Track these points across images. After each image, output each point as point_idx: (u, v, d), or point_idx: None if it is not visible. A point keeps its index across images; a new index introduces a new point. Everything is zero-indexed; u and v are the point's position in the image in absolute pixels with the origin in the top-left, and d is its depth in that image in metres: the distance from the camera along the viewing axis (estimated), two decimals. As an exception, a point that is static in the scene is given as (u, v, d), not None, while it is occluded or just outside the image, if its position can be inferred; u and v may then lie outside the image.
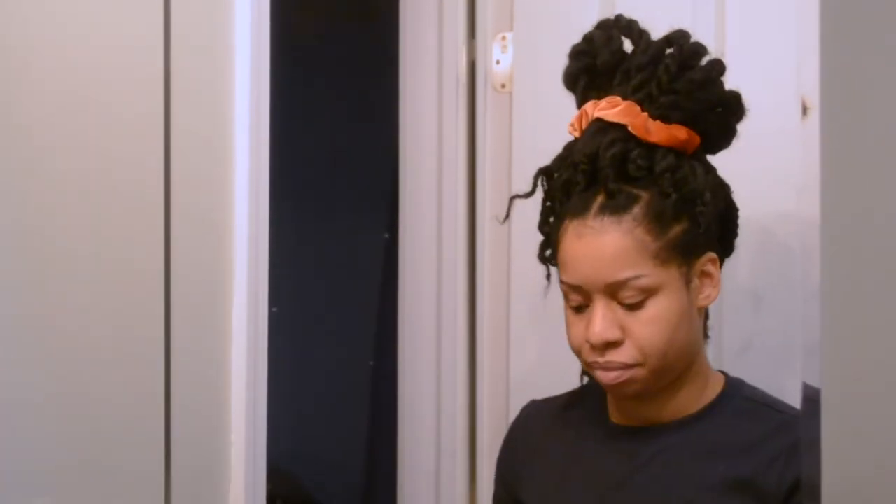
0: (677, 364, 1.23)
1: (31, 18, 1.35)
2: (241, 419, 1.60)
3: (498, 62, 1.92)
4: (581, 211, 1.23)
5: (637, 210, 1.20)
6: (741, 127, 1.66)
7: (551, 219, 1.30)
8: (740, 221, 1.63)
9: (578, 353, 1.26)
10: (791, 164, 1.56)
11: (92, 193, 1.41)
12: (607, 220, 1.20)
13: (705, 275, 1.24)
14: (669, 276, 1.20)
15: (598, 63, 1.27)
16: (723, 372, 1.32)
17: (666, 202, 1.21)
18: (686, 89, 1.23)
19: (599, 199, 1.22)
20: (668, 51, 1.24)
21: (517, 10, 1.90)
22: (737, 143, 1.64)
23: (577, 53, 1.30)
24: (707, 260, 1.24)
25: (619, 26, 1.28)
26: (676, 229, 1.21)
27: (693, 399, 1.26)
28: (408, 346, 2.05)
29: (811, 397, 0.71)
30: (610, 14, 1.71)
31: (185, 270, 1.46)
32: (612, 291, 1.20)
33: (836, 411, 0.70)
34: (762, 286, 1.64)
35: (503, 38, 1.92)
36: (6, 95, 1.32)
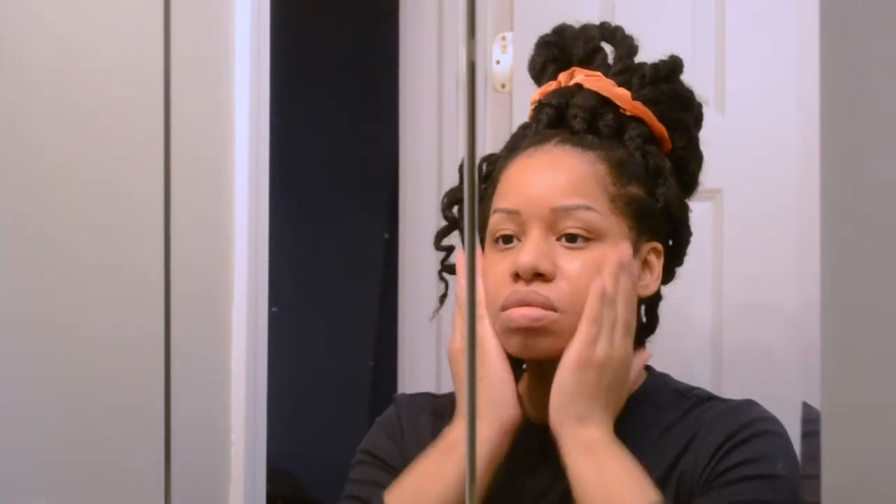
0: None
1: (31, 18, 1.35)
2: (241, 419, 1.60)
3: (498, 62, 1.92)
4: (537, 142, 1.13)
5: (601, 152, 1.10)
6: (741, 125, 1.67)
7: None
8: (740, 222, 1.64)
9: (493, 297, 1.09)
10: (791, 164, 1.58)
11: (92, 194, 1.41)
12: (568, 148, 1.10)
13: (647, 263, 1.12)
14: (619, 230, 1.08)
15: (571, 54, 1.19)
16: (648, 366, 1.19)
17: (630, 160, 1.11)
18: (667, 95, 1.16)
19: (561, 135, 1.12)
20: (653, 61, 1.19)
21: (517, 10, 1.90)
22: (737, 143, 1.64)
23: (545, 44, 1.21)
24: (652, 248, 1.12)
25: (601, 27, 1.20)
26: (635, 190, 1.11)
27: None
28: (408, 346, 2.05)
29: (810, 417, 0.70)
30: (610, 13, 1.71)
31: (185, 270, 1.46)
32: (554, 221, 1.07)
33: (836, 421, 0.70)
34: (762, 286, 1.64)
35: (503, 38, 1.92)
36: (6, 95, 1.32)
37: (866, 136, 0.71)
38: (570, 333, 1.06)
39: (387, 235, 2.51)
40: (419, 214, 2.04)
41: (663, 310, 1.20)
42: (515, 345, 1.09)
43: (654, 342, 1.20)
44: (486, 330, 1.09)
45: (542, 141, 1.13)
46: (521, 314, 1.06)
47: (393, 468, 1.16)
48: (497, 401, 1.07)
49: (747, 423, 1.08)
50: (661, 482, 1.07)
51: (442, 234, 1.24)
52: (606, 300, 1.05)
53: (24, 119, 1.34)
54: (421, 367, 2.02)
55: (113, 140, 1.42)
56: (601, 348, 1.05)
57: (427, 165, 2.04)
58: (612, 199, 1.08)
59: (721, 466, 1.06)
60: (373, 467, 1.19)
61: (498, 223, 1.10)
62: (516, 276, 1.07)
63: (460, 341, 1.10)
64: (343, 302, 2.70)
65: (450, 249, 1.23)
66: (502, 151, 1.19)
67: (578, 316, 1.06)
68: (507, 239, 1.10)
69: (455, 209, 1.23)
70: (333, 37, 2.72)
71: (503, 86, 1.91)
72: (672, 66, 1.17)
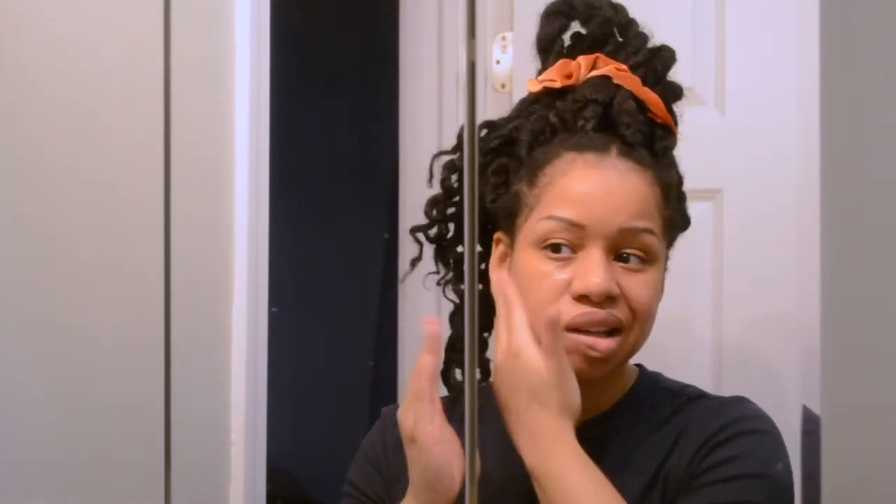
0: (638, 347, 1.10)
1: (31, 18, 1.35)
2: (241, 419, 1.60)
3: (498, 62, 1.92)
4: (596, 147, 1.08)
5: (655, 172, 1.09)
6: (741, 125, 1.67)
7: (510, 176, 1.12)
8: (740, 222, 1.64)
9: (543, 308, 1.04)
10: (791, 164, 1.57)
11: (92, 194, 1.41)
12: (631, 164, 1.07)
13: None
14: (663, 253, 1.09)
15: (586, 28, 1.15)
16: (639, 365, 1.19)
17: (671, 180, 1.11)
18: (671, 87, 1.15)
19: (617, 146, 1.08)
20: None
21: (517, 10, 1.90)
22: (737, 143, 1.64)
23: (554, 13, 1.16)
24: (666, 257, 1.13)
25: (616, 10, 1.15)
26: (673, 211, 1.11)
27: (610, 394, 1.13)
28: (408, 346, 2.05)
29: (810, 418, 0.70)
30: (610, 14, 1.71)
31: (185, 270, 1.46)
32: (618, 242, 1.05)
33: (836, 422, 0.70)
34: (762, 286, 1.64)
35: (503, 38, 1.92)
36: (6, 95, 1.32)
37: (866, 136, 0.71)
38: (631, 346, 1.07)
39: (387, 235, 2.51)
40: (419, 214, 2.04)
41: (663, 308, 1.20)
42: (578, 366, 1.05)
43: (653, 342, 1.20)
44: (424, 414, 1.03)
45: (603, 149, 1.08)
46: (603, 346, 1.04)
47: (370, 499, 1.17)
48: (433, 488, 1.04)
49: (733, 421, 1.07)
50: (650, 481, 1.07)
51: (435, 202, 1.22)
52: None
53: (24, 119, 1.34)
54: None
55: (113, 140, 1.42)
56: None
57: (427, 165, 2.04)
58: (663, 224, 1.08)
59: (704, 465, 1.05)
60: (354, 500, 1.19)
61: (554, 231, 1.06)
62: (582, 297, 1.04)
63: (410, 424, 1.04)
64: (343, 302, 2.70)
65: (436, 222, 1.21)
66: (521, 131, 1.14)
67: (640, 326, 1.06)
68: (558, 248, 1.06)
69: (454, 178, 1.22)
70: (333, 37, 2.72)
71: (503, 86, 1.91)
72: (672, 57, 1.15)
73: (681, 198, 1.14)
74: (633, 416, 1.12)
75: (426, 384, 1.04)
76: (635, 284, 1.05)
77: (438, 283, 1.24)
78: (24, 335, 1.32)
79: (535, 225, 1.08)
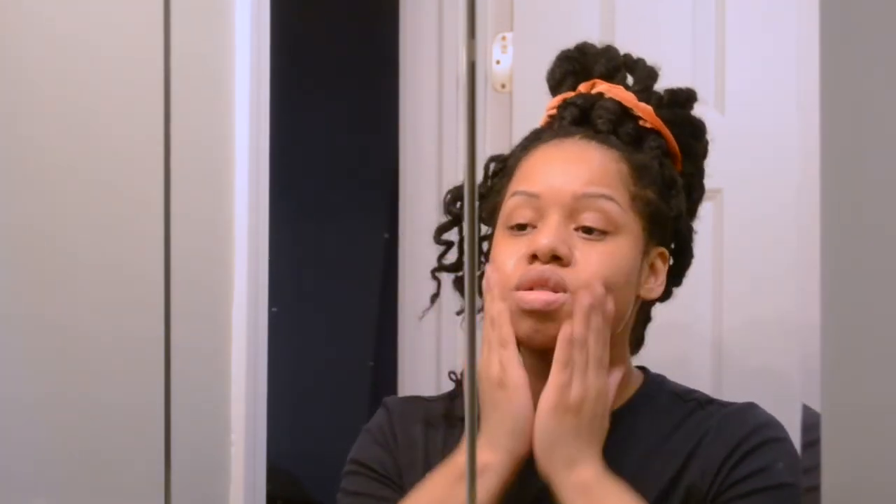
0: (600, 323, 1.06)
1: (31, 18, 1.35)
2: (241, 419, 1.60)
3: (498, 62, 1.92)
4: (562, 135, 1.13)
5: (624, 153, 1.11)
6: (741, 125, 1.67)
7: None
8: (740, 222, 1.64)
9: (506, 280, 1.07)
10: (791, 164, 1.57)
11: (92, 194, 1.41)
12: (594, 144, 1.11)
13: (653, 267, 1.13)
14: (635, 227, 1.09)
15: (592, 71, 1.20)
16: (644, 368, 1.19)
17: (650, 166, 1.12)
18: (682, 119, 1.18)
19: (586, 132, 1.13)
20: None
21: (517, 10, 1.90)
22: (737, 143, 1.64)
23: (566, 58, 1.22)
24: (659, 253, 1.13)
25: (626, 57, 1.21)
26: (652, 194, 1.11)
27: (615, 397, 1.10)
28: (408, 346, 2.05)
29: (810, 423, 0.70)
30: (610, 13, 1.71)
31: (185, 270, 1.46)
32: (575, 209, 1.07)
33: (836, 422, 0.70)
34: (762, 286, 1.64)
35: (503, 38, 1.92)
36: (6, 95, 1.32)
37: (866, 136, 0.71)
38: (577, 326, 1.05)
39: (387, 235, 2.50)
40: (419, 214, 2.04)
41: (663, 309, 1.20)
42: (526, 329, 1.07)
43: (653, 342, 1.20)
44: (511, 359, 1.06)
45: (567, 135, 1.13)
46: (535, 297, 1.05)
47: (386, 477, 1.15)
48: (517, 433, 1.05)
49: (753, 431, 1.08)
50: (665, 492, 1.07)
51: (443, 228, 1.23)
52: (577, 344, 1.04)
53: (24, 119, 1.34)
54: (421, 367, 2.01)
55: (113, 140, 1.42)
56: (575, 391, 1.03)
57: (427, 165, 2.04)
58: (633, 197, 1.09)
59: (731, 479, 1.06)
60: (365, 478, 1.17)
61: (515, 207, 1.10)
62: (532, 258, 1.06)
63: (497, 370, 1.07)
64: (343, 302, 2.70)
65: (449, 245, 1.22)
66: (517, 149, 1.18)
67: (588, 307, 1.05)
68: (522, 227, 1.09)
69: (458, 204, 1.23)
70: (333, 37, 2.72)
71: (503, 86, 1.91)
72: (688, 95, 1.20)
73: (669, 190, 1.14)
74: (640, 422, 1.12)
75: (507, 329, 1.06)
76: (591, 252, 1.06)
77: (458, 314, 1.24)
78: (24, 335, 1.32)
79: (504, 207, 1.11)
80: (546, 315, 1.05)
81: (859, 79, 0.71)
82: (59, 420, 1.35)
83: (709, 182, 1.23)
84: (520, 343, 1.08)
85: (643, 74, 1.19)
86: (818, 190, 0.71)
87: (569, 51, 1.23)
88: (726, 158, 1.41)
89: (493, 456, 1.05)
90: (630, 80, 1.20)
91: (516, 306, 1.06)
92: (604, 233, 1.07)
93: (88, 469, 1.39)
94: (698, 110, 1.22)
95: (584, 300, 1.05)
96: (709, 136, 1.22)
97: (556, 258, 1.05)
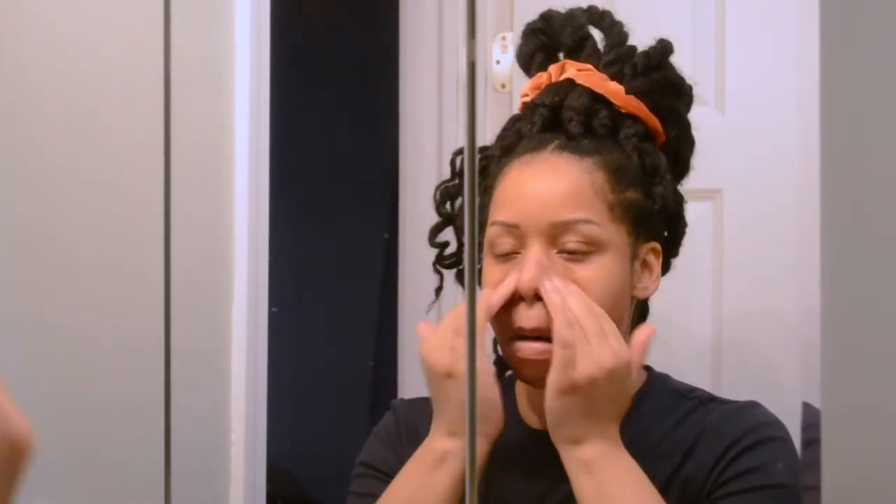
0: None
1: (31, 18, 1.35)
2: (241, 419, 1.60)
3: (498, 62, 1.92)
4: (535, 147, 1.11)
5: (598, 158, 1.09)
6: (741, 125, 1.67)
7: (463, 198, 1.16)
8: (740, 222, 1.63)
9: (497, 317, 1.08)
10: (791, 164, 1.57)
11: (92, 194, 1.41)
12: (566, 156, 1.09)
13: (646, 264, 1.12)
14: (619, 238, 1.08)
15: (559, 42, 1.18)
16: (647, 366, 1.18)
17: (627, 163, 1.10)
18: (660, 84, 1.15)
19: (558, 141, 1.11)
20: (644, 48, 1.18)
21: (517, 10, 1.90)
22: (737, 143, 1.64)
23: (532, 31, 1.20)
24: (650, 248, 1.12)
25: (589, 12, 1.18)
26: (633, 194, 1.10)
27: None
28: (408, 346, 2.05)
29: (810, 423, 0.70)
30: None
31: (185, 270, 1.46)
32: (555, 235, 1.07)
33: (836, 421, 0.70)
34: (762, 286, 1.64)
35: (503, 38, 1.92)
36: (6, 95, 1.32)
37: (866, 136, 0.71)
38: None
39: (387, 235, 2.51)
40: (419, 214, 2.04)
41: (663, 308, 1.20)
42: (528, 376, 1.09)
43: (653, 342, 1.20)
44: (462, 348, 1.07)
45: (539, 147, 1.11)
46: (530, 349, 1.06)
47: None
48: (487, 416, 1.06)
49: (752, 429, 1.08)
50: (664, 487, 1.06)
51: (436, 230, 1.23)
52: (571, 324, 1.03)
53: (24, 119, 1.34)
54: (421, 367, 2.01)
55: (113, 140, 1.42)
56: (582, 368, 1.02)
57: (427, 165, 2.04)
58: (611, 208, 1.08)
59: (726, 475, 1.06)
60: (374, 479, 1.17)
61: (496, 236, 1.10)
62: (520, 298, 1.06)
63: (449, 359, 1.09)
64: (343, 302, 2.70)
65: (444, 245, 1.23)
66: (495, 148, 1.18)
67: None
68: (507, 254, 1.09)
69: (448, 204, 1.23)
70: (333, 37, 2.72)
71: (503, 86, 1.91)
72: (662, 52, 1.16)
73: (652, 179, 1.13)
74: (643, 419, 1.12)
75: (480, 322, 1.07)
76: (577, 274, 1.06)
77: None
78: (23, 335, 1.32)
79: (487, 235, 1.11)
80: (542, 363, 1.05)
81: (859, 79, 0.71)
82: (59, 420, 1.35)
83: (709, 182, 1.23)
84: (524, 381, 1.12)
85: (614, 40, 1.16)
86: (818, 190, 0.71)
87: (534, 22, 1.20)
88: (726, 158, 1.42)
89: (453, 443, 1.07)
90: (601, 44, 1.17)
91: (514, 355, 1.09)
92: (587, 253, 1.07)
93: (88, 469, 1.38)
94: (698, 111, 1.22)
95: (553, 298, 1.04)
96: (691, 82, 1.18)
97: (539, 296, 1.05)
